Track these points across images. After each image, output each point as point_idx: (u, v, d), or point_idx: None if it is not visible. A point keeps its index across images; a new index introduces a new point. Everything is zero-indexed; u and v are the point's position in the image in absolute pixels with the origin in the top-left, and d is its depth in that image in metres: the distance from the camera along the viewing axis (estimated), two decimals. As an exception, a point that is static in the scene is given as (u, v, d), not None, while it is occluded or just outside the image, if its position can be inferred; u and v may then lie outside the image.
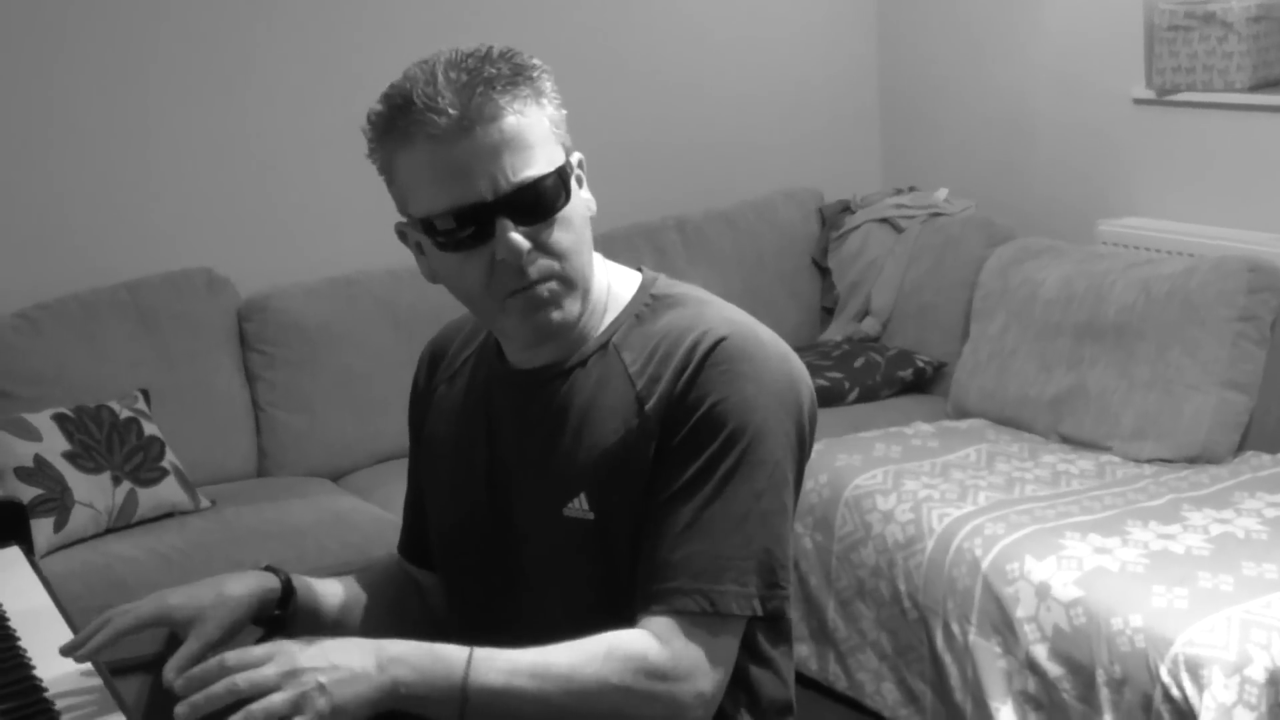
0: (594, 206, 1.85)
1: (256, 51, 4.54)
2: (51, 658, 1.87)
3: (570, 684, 1.67)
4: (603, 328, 1.87)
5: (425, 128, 1.70)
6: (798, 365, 1.84)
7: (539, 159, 1.73)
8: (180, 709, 1.58)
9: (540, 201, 1.74)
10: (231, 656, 1.62)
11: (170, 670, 1.73)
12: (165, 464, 3.92)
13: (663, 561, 1.74)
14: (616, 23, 5.02)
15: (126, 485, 3.83)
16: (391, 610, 2.08)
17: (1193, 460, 3.81)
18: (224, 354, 4.35)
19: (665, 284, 1.91)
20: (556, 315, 1.78)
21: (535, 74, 1.75)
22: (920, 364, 4.62)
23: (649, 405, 1.78)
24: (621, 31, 5.03)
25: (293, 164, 4.61)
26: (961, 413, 4.36)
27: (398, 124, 1.73)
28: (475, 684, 1.65)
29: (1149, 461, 3.84)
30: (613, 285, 1.89)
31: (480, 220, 1.72)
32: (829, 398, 4.41)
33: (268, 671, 1.59)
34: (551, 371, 1.86)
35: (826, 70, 5.42)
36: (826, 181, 5.29)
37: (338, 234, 4.66)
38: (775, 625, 1.88)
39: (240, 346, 4.40)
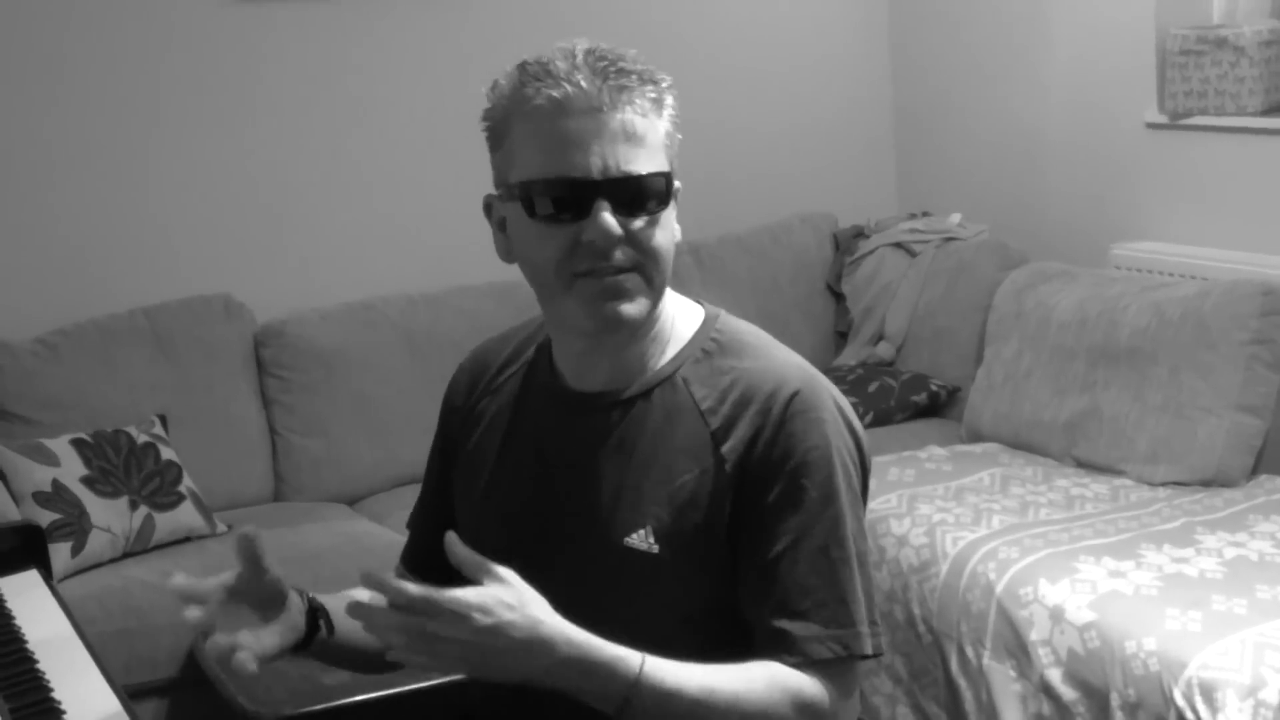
0: (679, 234, 1.85)
1: (276, 79, 4.57)
2: (69, 680, 1.89)
3: (735, 705, 1.70)
4: (666, 359, 1.86)
5: (555, 93, 1.72)
6: (849, 406, 1.87)
7: (651, 159, 1.76)
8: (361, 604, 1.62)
9: (642, 197, 1.75)
10: (448, 606, 1.62)
11: (251, 662, 1.73)
12: (182, 489, 3.94)
13: (792, 612, 1.75)
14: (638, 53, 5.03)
15: (144, 510, 3.84)
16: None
17: (1206, 483, 3.81)
18: (241, 379, 4.37)
19: (728, 321, 1.91)
20: (627, 308, 1.77)
21: (665, 85, 1.80)
22: (934, 388, 4.63)
23: (725, 447, 1.79)
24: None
25: (310, 190, 4.63)
26: (975, 436, 4.36)
27: (528, 89, 1.75)
28: (646, 680, 1.66)
29: (1163, 485, 3.84)
30: (677, 318, 1.89)
31: (579, 196, 1.73)
32: (843, 422, 4.41)
33: (463, 628, 1.60)
34: (612, 397, 1.85)
35: (841, 97, 5.44)
36: (841, 206, 5.30)
37: (355, 260, 4.68)
38: None
39: (257, 371, 4.41)
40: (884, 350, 4.87)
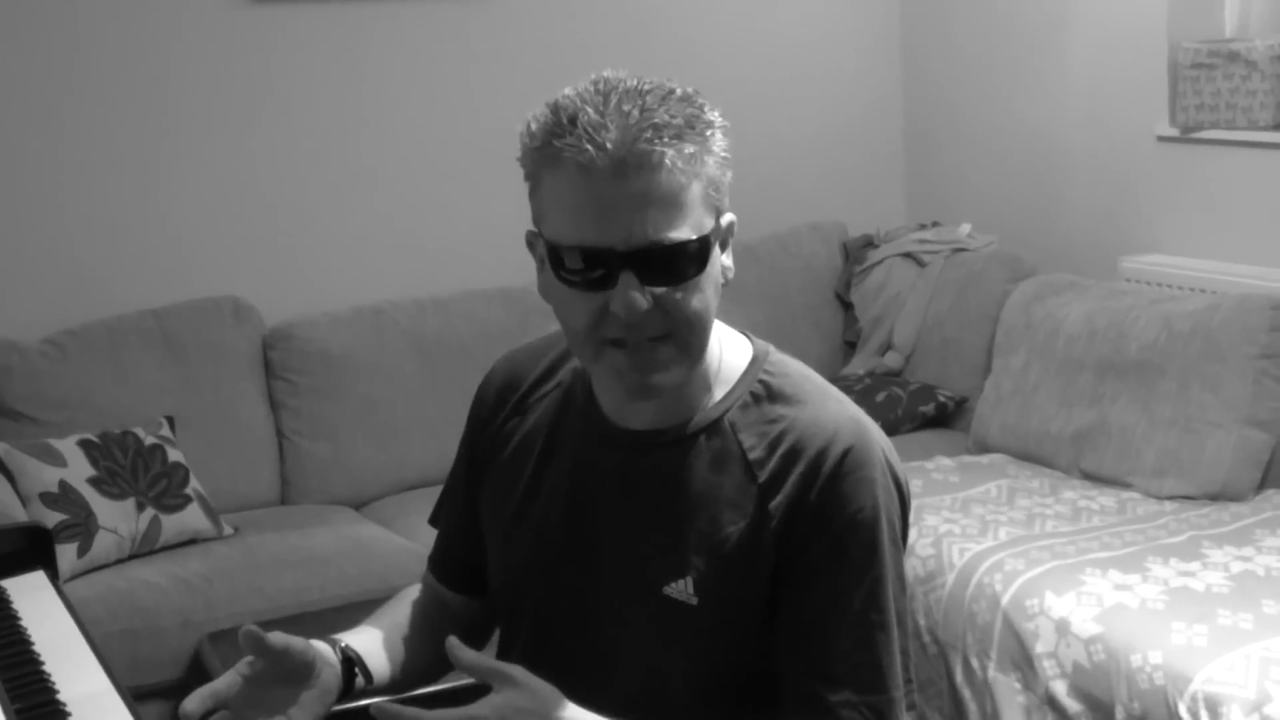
0: (732, 274, 1.77)
1: (286, 82, 4.57)
2: (75, 681, 1.89)
3: None
4: (714, 400, 1.79)
5: (578, 156, 1.61)
6: (895, 454, 1.82)
7: (685, 222, 1.64)
8: None
9: (673, 265, 1.65)
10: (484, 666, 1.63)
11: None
12: (189, 491, 3.94)
13: (827, 674, 1.72)
14: (645, 62, 4.98)
15: (150, 511, 3.85)
16: (424, 639, 1.99)
17: (1214, 497, 3.81)
18: (249, 382, 4.37)
19: (777, 360, 1.84)
20: (658, 379, 1.70)
21: (709, 131, 1.68)
22: (942, 399, 4.63)
23: (773, 503, 1.73)
24: (649, 70, 5.03)
25: (320, 194, 4.64)
26: (983, 448, 4.36)
27: (554, 143, 1.64)
28: None
29: (1170, 498, 3.83)
30: (725, 355, 1.81)
31: (605, 266, 1.64)
32: (850, 431, 4.41)
33: None
34: (659, 438, 1.79)
35: (852, 107, 5.44)
36: (850, 216, 5.31)
37: (364, 263, 4.68)
38: None
39: (265, 374, 4.42)
40: (892, 360, 4.87)
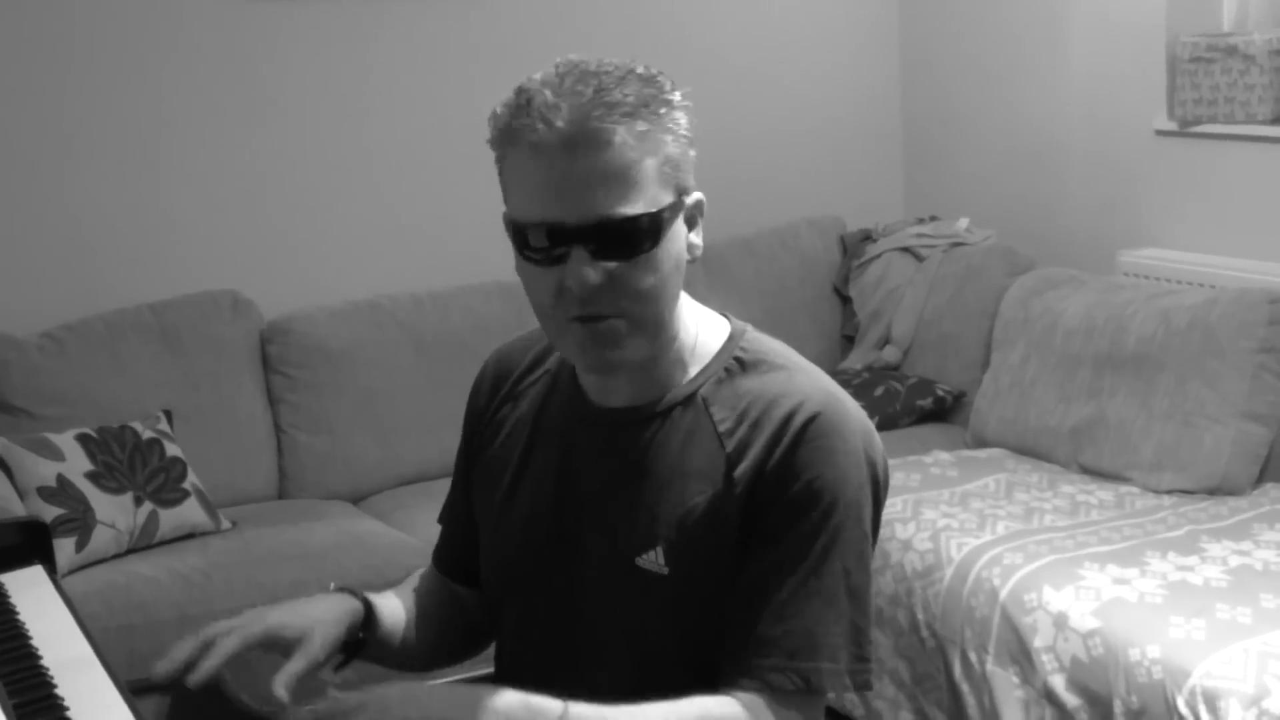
0: (699, 251, 1.79)
1: (284, 76, 4.57)
2: (73, 676, 1.89)
3: None
4: (689, 377, 1.82)
5: (532, 135, 1.66)
6: (876, 438, 1.82)
7: (637, 198, 1.68)
8: None
9: (624, 240, 1.68)
10: (324, 708, 1.63)
11: (279, 686, 1.71)
12: (187, 485, 3.94)
13: (759, 637, 1.72)
14: (642, 55, 5.02)
15: (148, 506, 3.85)
16: (433, 624, 2.05)
17: (1212, 492, 3.81)
18: (247, 376, 4.37)
19: (754, 338, 1.86)
20: (614, 354, 1.74)
21: (664, 109, 1.71)
22: (940, 393, 4.63)
23: (739, 470, 1.75)
24: (647, 63, 5.03)
25: (318, 188, 4.64)
26: (981, 442, 4.36)
27: (512, 124, 1.68)
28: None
29: (1168, 492, 3.84)
30: (700, 334, 1.84)
31: (558, 242, 1.68)
32: (849, 426, 4.42)
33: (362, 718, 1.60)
34: (635, 415, 1.83)
35: (849, 100, 5.44)
36: (848, 210, 5.31)
37: (362, 258, 4.68)
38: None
39: (263, 369, 4.42)
40: (890, 354, 4.87)
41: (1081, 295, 4.27)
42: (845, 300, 5.12)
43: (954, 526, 3.62)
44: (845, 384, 4.62)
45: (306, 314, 4.46)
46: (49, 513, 3.66)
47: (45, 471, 3.76)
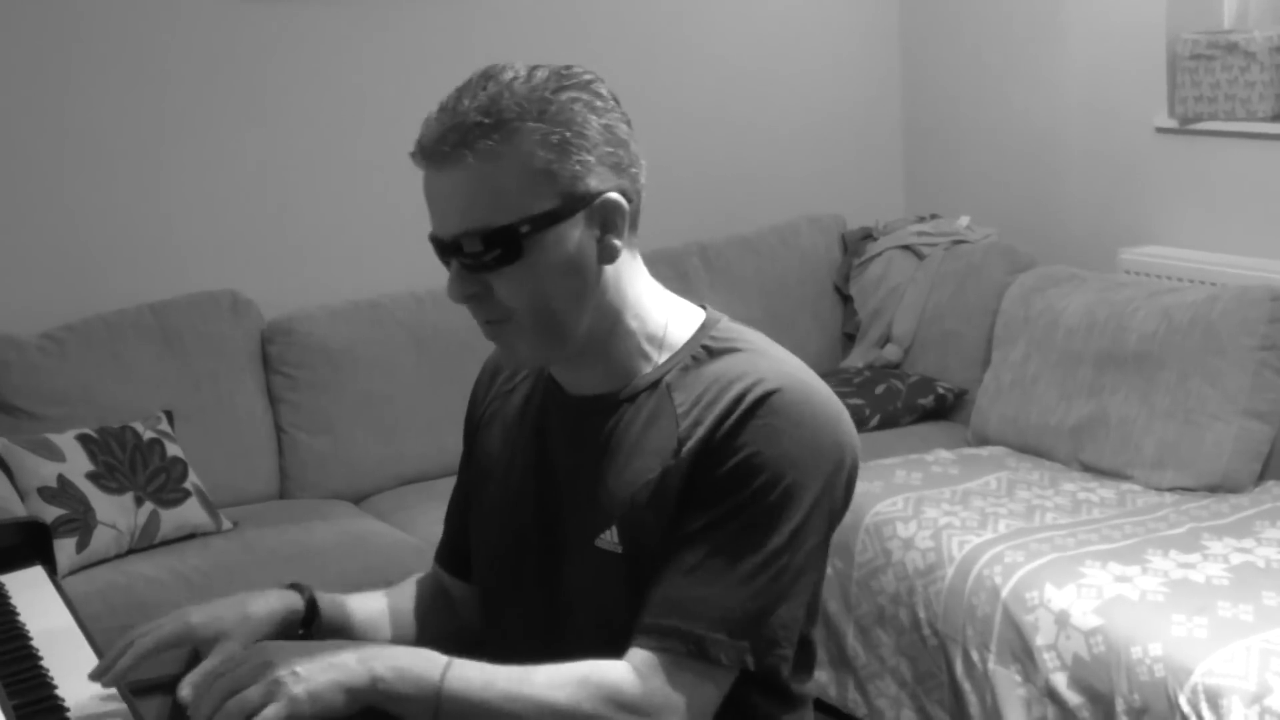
0: (613, 255, 1.79)
1: (284, 76, 4.57)
2: (73, 677, 1.88)
3: (541, 705, 1.68)
4: (656, 364, 1.85)
5: (417, 155, 1.75)
6: (846, 427, 1.81)
7: (494, 210, 1.71)
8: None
9: (480, 254, 1.73)
10: (216, 663, 1.68)
11: (185, 686, 1.74)
12: (188, 485, 3.94)
13: (662, 598, 1.73)
14: (643, 52, 5.03)
15: (149, 506, 3.84)
16: (423, 624, 2.09)
17: (1213, 489, 3.81)
18: (247, 376, 4.37)
19: (726, 327, 1.88)
20: (510, 356, 1.85)
21: (534, 121, 1.71)
22: (941, 391, 4.62)
23: (686, 446, 1.77)
24: (648, 60, 5.04)
25: (318, 188, 4.64)
26: (982, 440, 4.35)
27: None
28: (450, 690, 1.66)
29: (1170, 490, 3.83)
30: (670, 323, 1.87)
31: (441, 254, 1.77)
32: (850, 424, 4.42)
33: (243, 671, 1.62)
34: (603, 402, 1.86)
35: (850, 97, 5.44)
36: (849, 208, 5.30)
37: (362, 257, 4.68)
38: (797, 678, 1.88)
39: (264, 369, 4.41)
40: (891, 353, 4.87)
41: (1082, 293, 4.26)
42: (846, 298, 5.11)
43: (955, 525, 3.61)
44: (846, 382, 4.63)
45: (307, 313, 4.46)
46: (50, 513, 3.66)
47: (46, 472, 3.76)
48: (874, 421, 4.51)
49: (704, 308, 1.92)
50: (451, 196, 1.73)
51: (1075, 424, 4.09)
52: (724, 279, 4.92)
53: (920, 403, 4.60)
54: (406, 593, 2.13)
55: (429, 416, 4.37)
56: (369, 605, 2.07)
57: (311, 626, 1.97)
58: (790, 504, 1.74)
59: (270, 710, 1.59)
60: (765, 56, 5.28)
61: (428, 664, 1.68)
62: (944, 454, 4.17)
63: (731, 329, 1.88)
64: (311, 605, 1.97)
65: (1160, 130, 4.58)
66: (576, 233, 1.76)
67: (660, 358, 1.85)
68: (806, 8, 5.34)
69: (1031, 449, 4.19)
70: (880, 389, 4.61)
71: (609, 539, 1.81)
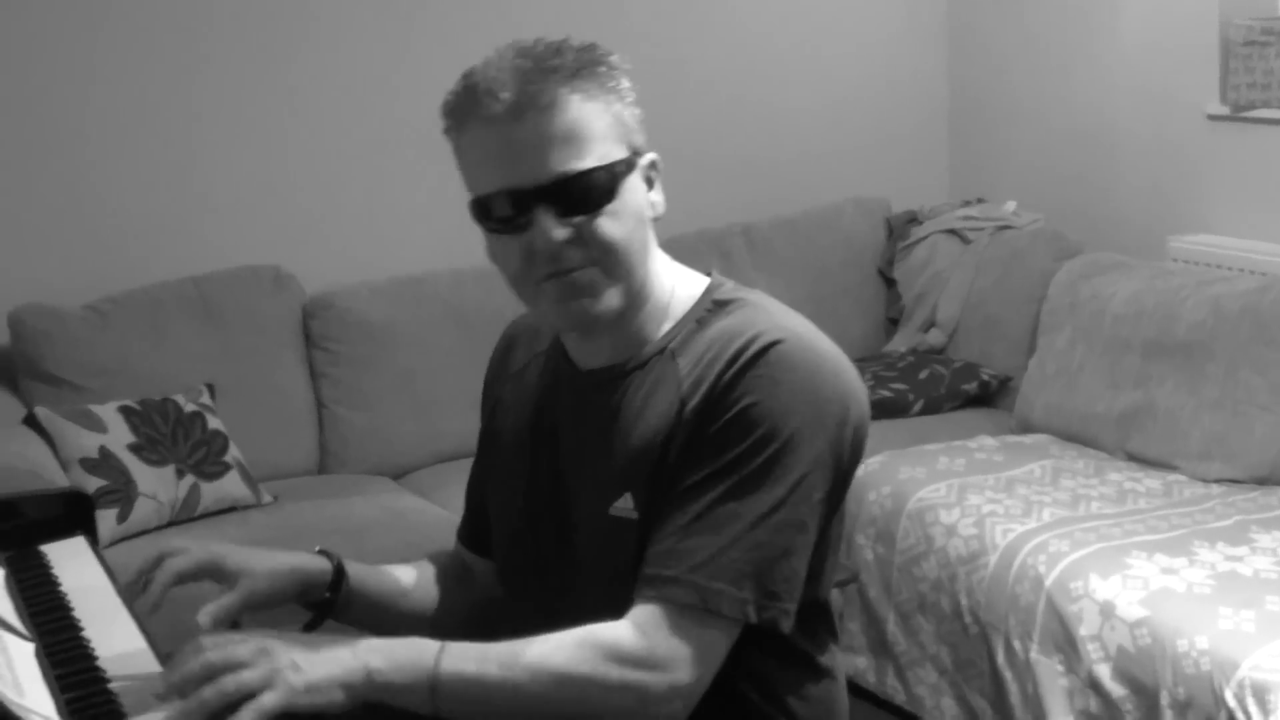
0: (660, 209, 1.85)
1: (326, 50, 4.56)
2: (115, 647, 1.88)
3: (540, 672, 1.68)
4: (664, 331, 1.87)
5: (481, 110, 1.74)
6: (852, 382, 1.81)
7: (589, 152, 1.74)
8: (160, 688, 1.64)
9: (584, 195, 1.75)
10: (208, 640, 1.67)
11: (204, 615, 1.77)
12: (228, 458, 3.94)
13: (666, 549, 1.73)
14: (688, 32, 5.01)
15: (190, 479, 3.85)
16: (445, 599, 2.11)
17: (1261, 481, 3.77)
18: (289, 350, 4.36)
19: (730, 289, 1.89)
20: (591, 304, 1.79)
21: (604, 69, 1.77)
22: (985, 377, 4.59)
23: (690, 405, 1.78)
24: (693, 40, 5.02)
25: (361, 163, 4.63)
26: (1026, 427, 4.32)
27: (462, 105, 1.77)
28: (445, 672, 1.66)
29: (1216, 482, 3.79)
30: (677, 289, 1.89)
31: (522, 206, 1.75)
32: (892, 409, 4.40)
33: (241, 650, 1.63)
34: (612, 373, 1.87)
35: (896, 80, 5.41)
36: (894, 192, 5.27)
37: (404, 233, 4.67)
38: (817, 645, 1.88)
39: (305, 344, 4.41)
40: (935, 338, 4.84)
41: (1130, 281, 4.22)
42: (890, 283, 5.08)
43: (999, 512, 3.59)
44: (889, 366, 4.61)
45: (349, 289, 4.45)
46: (91, 484, 3.67)
47: (88, 443, 3.77)
48: (916, 407, 4.48)
49: (709, 274, 1.93)
50: (545, 142, 1.73)
51: (1121, 413, 4.05)
52: (767, 261, 4.90)
53: (964, 389, 4.56)
54: (427, 567, 2.16)
55: (469, 393, 4.30)
56: (396, 576, 2.10)
57: (338, 591, 2.00)
58: (791, 455, 1.73)
59: (268, 698, 1.60)
60: (812, 39, 5.25)
61: (421, 650, 1.69)
62: (987, 441, 4.14)
63: (736, 290, 1.90)
64: (338, 571, 2.01)
65: (1212, 117, 4.54)
66: (640, 184, 1.82)
67: (667, 325, 1.87)
68: (854, -12, 5.32)
69: (1076, 437, 4.15)
70: (923, 374, 4.58)
71: (624, 506, 1.81)
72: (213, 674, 1.61)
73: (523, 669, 1.68)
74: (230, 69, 4.46)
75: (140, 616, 2.02)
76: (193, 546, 1.94)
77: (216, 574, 1.93)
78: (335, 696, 1.64)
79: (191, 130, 4.44)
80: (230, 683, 1.60)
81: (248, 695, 1.59)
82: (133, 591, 1.90)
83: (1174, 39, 4.63)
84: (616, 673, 1.68)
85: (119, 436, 3.81)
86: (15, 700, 1.55)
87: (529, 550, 1.96)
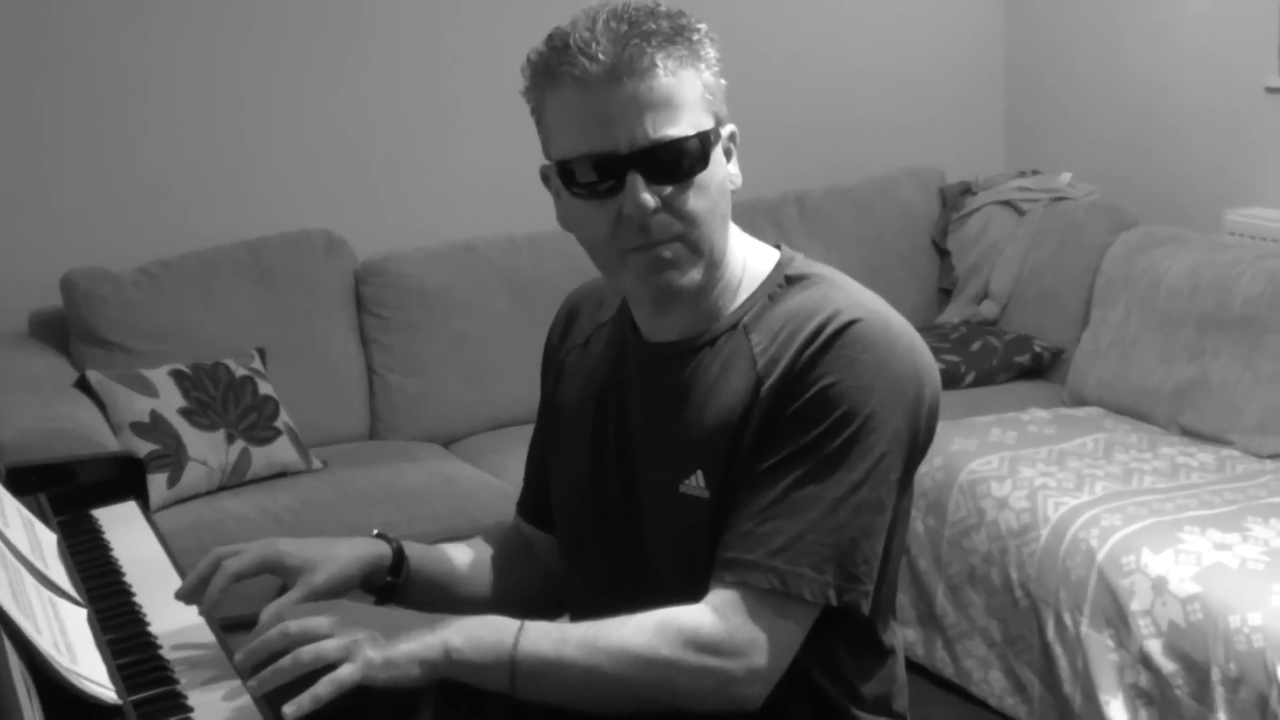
0: (738, 181, 1.83)
1: (381, 15, 4.56)
2: (166, 613, 1.89)
3: (620, 655, 1.67)
4: (735, 305, 1.84)
5: (574, 71, 1.70)
6: (925, 359, 1.80)
7: (683, 120, 1.72)
8: (239, 656, 1.67)
9: (676, 162, 1.72)
10: (288, 612, 1.69)
11: (268, 613, 1.75)
12: (279, 424, 3.95)
13: (745, 532, 1.72)
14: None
15: (240, 444, 3.86)
16: (504, 577, 2.09)
17: (1317, 458, 3.74)
18: (340, 315, 4.37)
19: (802, 264, 1.87)
20: (676, 278, 1.76)
21: (696, 37, 1.75)
22: (1038, 349, 4.56)
23: (766, 384, 1.76)
24: (748, 8, 4.99)
25: (415, 128, 4.63)
26: (1079, 400, 4.29)
27: (551, 65, 1.73)
28: (524, 652, 1.66)
29: (1271, 457, 3.75)
30: (749, 263, 1.87)
31: (612, 171, 1.72)
32: (944, 381, 4.35)
33: (321, 621, 1.64)
34: (682, 347, 1.85)
35: (952, 48, 5.36)
36: (948, 162, 5.23)
37: (457, 199, 4.67)
38: (881, 623, 1.87)
39: (356, 309, 4.42)
40: (988, 309, 4.81)
41: (1186, 254, 4.18)
42: (943, 253, 5.05)
43: (1051, 485, 3.56)
44: (942, 338, 4.58)
45: (401, 254, 4.46)
46: (142, 448, 3.68)
47: (139, 407, 3.78)
48: (969, 379, 4.46)
49: (778, 247, 1.91)
50: (642, 106, 1.70)
51: (1175, 387, 4.01)
52: (821, 230, 4.87)
53: (1016, 360, 4.54)
54: (483, 548, 2.12)
55: (521, 360, 4.35)
56: (455, 557, 2.07)
57: (400, 574, 1.97)
58: (870, 436, 1.72)
59: (345, 670, 1.60)
60: (868, 6, 5.21)
61: (500, 630, 1.68)
62: (1040, 413, 4.12)
63: (808, 265, 1.88)
64: (399, 554, 1.97)
65: (1270, 90, 4.49)
66: (722, 156, 1.80)
67: (739, 299, 1.85)
68: (911, -44, 5.27)
69: (1129, 411, 4.12)
70: (976, 346, 4.55)
71: (695, 484, 1.79)
72: (291, 644, 1.61)
73: (602, 651, 1.67)
74: (285, 33, 4.46)
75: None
76: (250, 546, 1.91)
77: (277, 571, 1.90)
78: (412, 672, 1.64)
79: (245, 94, 4.44)
80: (308, 653, 1.60)
81: (326, 667, 1.59)
82: (194, 595, 1.87)
83: (1234, 10, 4.57)
84: (696, 658, 1.67)
85: (170, 401, 3.83)
86: (69, 667, 1.56)
87: (594, 525, 1.94)
